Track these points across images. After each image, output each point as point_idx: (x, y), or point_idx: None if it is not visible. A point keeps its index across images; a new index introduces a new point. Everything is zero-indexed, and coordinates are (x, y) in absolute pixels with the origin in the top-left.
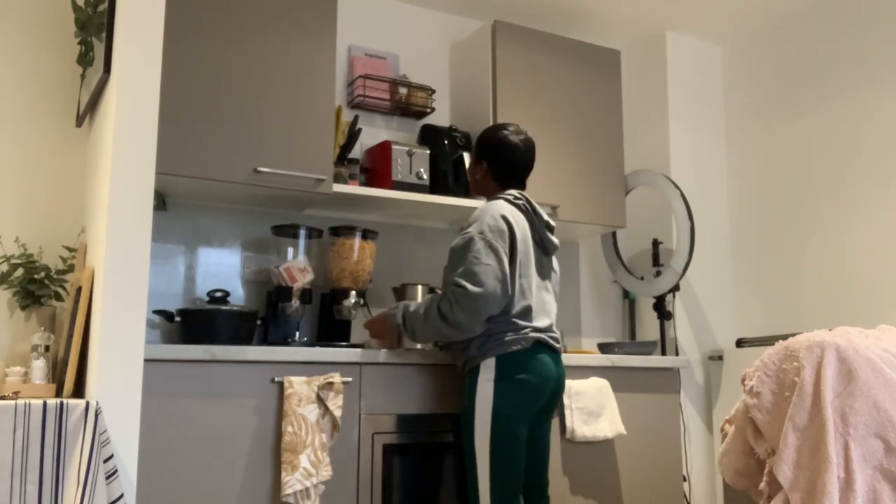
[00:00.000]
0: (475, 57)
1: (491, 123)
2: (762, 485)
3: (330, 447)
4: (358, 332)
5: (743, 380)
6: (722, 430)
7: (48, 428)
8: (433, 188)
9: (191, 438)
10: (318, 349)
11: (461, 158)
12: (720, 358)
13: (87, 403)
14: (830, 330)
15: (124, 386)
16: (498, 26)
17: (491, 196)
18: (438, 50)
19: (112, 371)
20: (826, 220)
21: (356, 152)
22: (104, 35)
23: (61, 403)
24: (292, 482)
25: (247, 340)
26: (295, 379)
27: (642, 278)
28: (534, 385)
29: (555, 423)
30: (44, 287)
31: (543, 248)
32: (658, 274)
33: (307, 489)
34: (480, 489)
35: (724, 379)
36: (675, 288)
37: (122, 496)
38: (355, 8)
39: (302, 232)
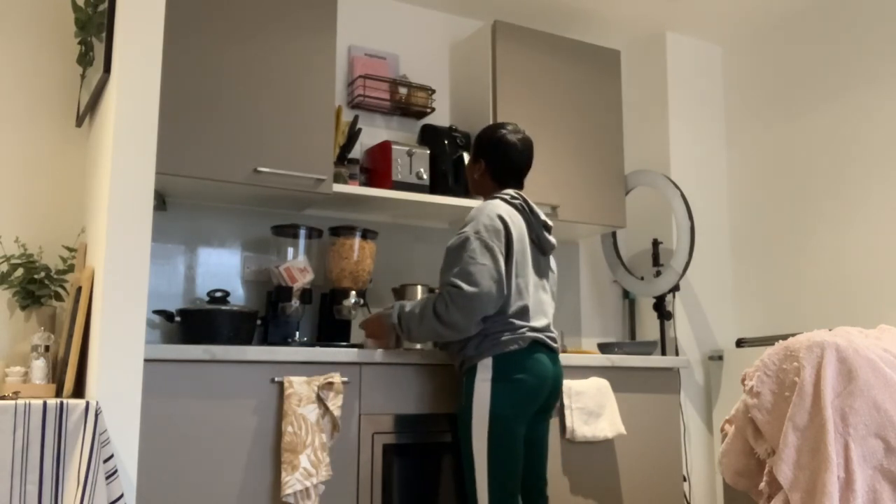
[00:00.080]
0: (475, 57)
1: (491, 123)
2: (762, 485)
3: (330, 447)
4: (358, 332)
5: (743, 380)
6: (722, 430)
7: (48, 428)
8: (433, 188)
9: (191, 438)
10: (317, 349)
11: (461, 158)
12: (720, 358)
13: (87, 403)
14: (830, 330)
15: (124, 386)
16: (498, 26)
17: (489, 195)
18: (438, 50)
19: (112, 371)
20: (826, 220)
21: (356, 152)
22: (104, 35)
23: (61, 403)
24: (292, 482)
25: (247, 340)
26: (295, 379)
27: (642, 278)
28: (531, 385)
29: (555, 422)
30: (44, 287)
31: (540, 248)
32: (658, 274)
33: (307, 489)
34: (478, 490)
35: (724, 379)
36: (675, 288)
37: (122, 496)
38: (355, 8)
39: (302, 232)
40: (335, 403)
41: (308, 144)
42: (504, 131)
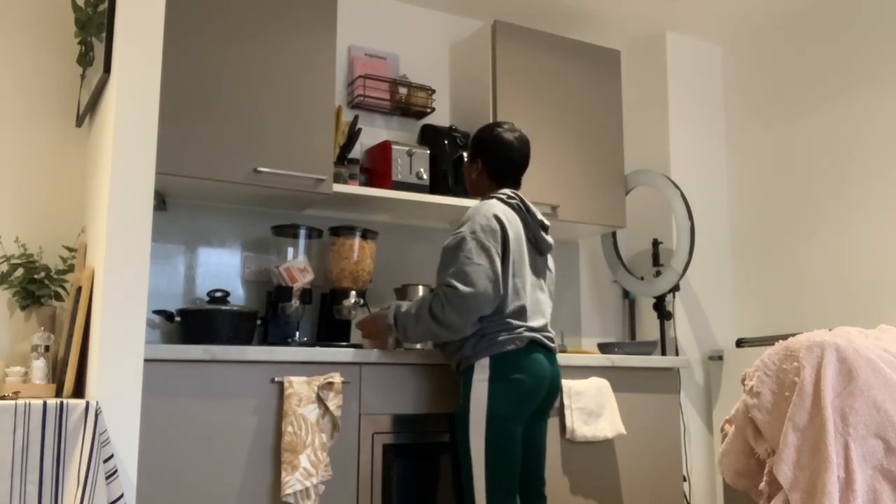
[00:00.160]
0: (475, 57)
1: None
2: (762, 485)
3: (330, 447)
4: (358, 332)
5: (743, 380)
6: (722, 430)
7: (48, 428)
8: (433, 188)
9: (191, 438)
10: (317, 349)
11: (461, 158)
12: (720, 358)
13: (87, 403)
14: (830, 330)
15: (124, 386)
16: (498, 26)
17: (487, 195)
18: (438, 50)
19: (112, 371)
20: (826, 220)
21: (356, 152)
22: (104, 35)
23: (61, 403)
24: (292, 482)
25: (247, 340)
26: (295, 379)
27: (642, 278)
28: (528, 385)
29: (555, 422)
30: (44, 287)
31: (537, 248)
32: (658, 274)
33: (307, 489)
34: (476, 490)
35: (724, 379)
36: (675, 288)
37: (122, 496)
38: (355, 8)
39: (302, 232)
40: (335, 403)
41: (308, 144)
42: (500, 129)
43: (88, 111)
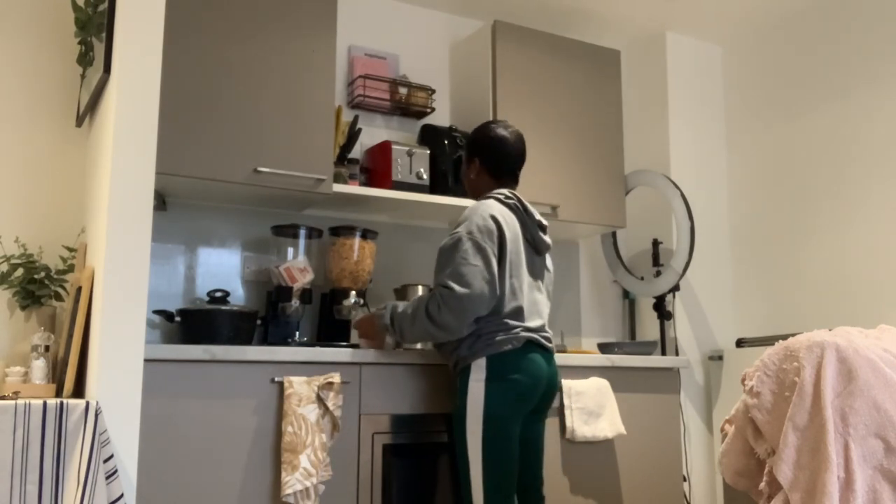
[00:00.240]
0: (475, 57)
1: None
2: (762, 485)
3: (330, 447)
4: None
5: (743, 380)
6: (722, 430)
7: (48, 428)
8: (433, 188)
9: (191, 438)
10: (317, 349)
11: (461, 158)
12: (720, 358)
13: (87, 403)
14: (830, 330)
15: (124, 386)
16: (498, 26)
17: (485, 195)
18: (438, 50)
19: (112, 371)
20: (826, 220)
21: (356, 152)
22: (104, 35)
23: (61, 403)
24: (292, 482)
25: (247, 340)
26: (295, 379)
27: (642, 278)
28: (525, 385)
29: (555, 422)
30: (44, 287)
31: (535, 248)
32: (658, 274)
33: (307, 489)
34: (473, 491)
35: (724, 379)
36: (675, 288)
37: (122, 496)
38: (355, 8)
39: (302, 232)
40: (335, 403)
41: (308, 144)
42: (494, 126)
43: (88, 111)
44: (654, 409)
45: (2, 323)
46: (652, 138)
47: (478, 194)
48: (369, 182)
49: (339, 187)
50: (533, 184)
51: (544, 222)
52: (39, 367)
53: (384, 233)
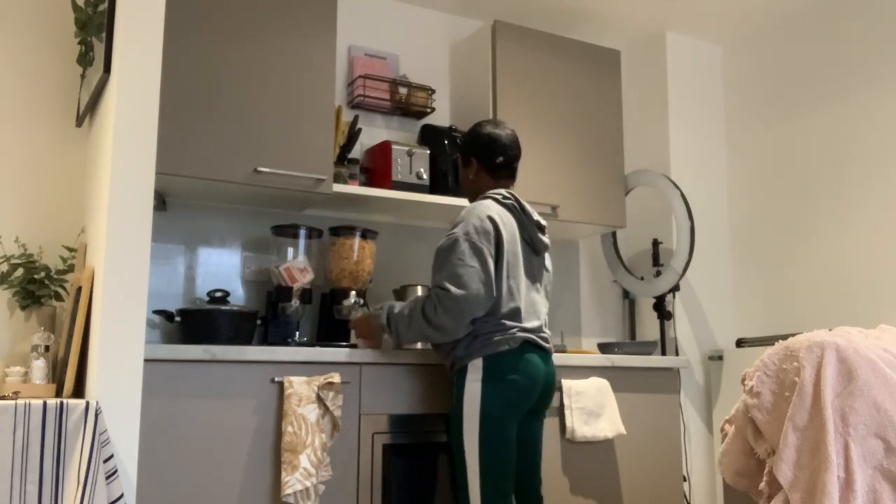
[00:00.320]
0: (475, 57)
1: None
2: (762, 485)
3: (330, 447)
4: None
5: (743, 380)
6: (722, 430)
7: (48, 428)
8: (433, 188)
9: (191, 438)
10: (317, 349)
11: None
12: (720, 358)
13: (87, 403)
14: (830, 330)
15: (124, 386)
16: (498, 26)
17: (484, 195)
18: (438, 50)
19: (112, 371)
20: (826, 220)
21: (356, 152)
22: (104, 35)
23: (61, 403)
24: (292, 482)
25: (247, 340)
26: (295, 379)
27: (642, 278)
28: (522, 385)
29: (555, 422)
30: (44, 287)
31: (533, 248)
32: (658, 274)
33: (307, 489)
34: (471, 491)
35: (724, 379)
36: (675, 288)
37: (122, 496)
38: (355, 8)
39: (302, 232)
40: (335, 403)
41: (308, 144)
42: (486, 125)
43: (88, 111)
44: (654, 409)
45: (2, 323)
46: (652, 138)
47: (477, 194)
48: (369, 182)
49: (339, 187)
50: (533, 184)
51: (543, 222)
52: (39, 367)
53: (384, 233)
